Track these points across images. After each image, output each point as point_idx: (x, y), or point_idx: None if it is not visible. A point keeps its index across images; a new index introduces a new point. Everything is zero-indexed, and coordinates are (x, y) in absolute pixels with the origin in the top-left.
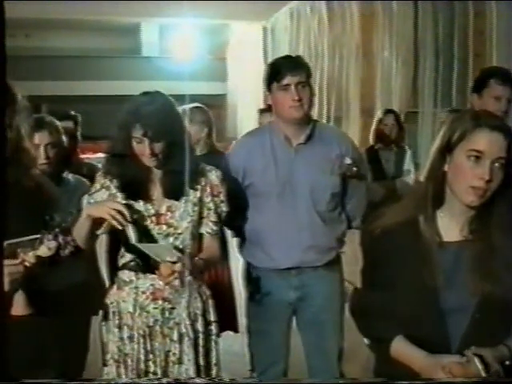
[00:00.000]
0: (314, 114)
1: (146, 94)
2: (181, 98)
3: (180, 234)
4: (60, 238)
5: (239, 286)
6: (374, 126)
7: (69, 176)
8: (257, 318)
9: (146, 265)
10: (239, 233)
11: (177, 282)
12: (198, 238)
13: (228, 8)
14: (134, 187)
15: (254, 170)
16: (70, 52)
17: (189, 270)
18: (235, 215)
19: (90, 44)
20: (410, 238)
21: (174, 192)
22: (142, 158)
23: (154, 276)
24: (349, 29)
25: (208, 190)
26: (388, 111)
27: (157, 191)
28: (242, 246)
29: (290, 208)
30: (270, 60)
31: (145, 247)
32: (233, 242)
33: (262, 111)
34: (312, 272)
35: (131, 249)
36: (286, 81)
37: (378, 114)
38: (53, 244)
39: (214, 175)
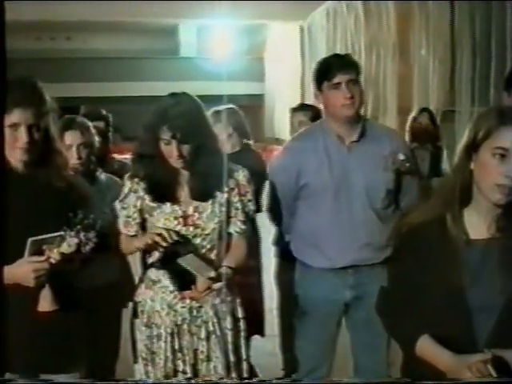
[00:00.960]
0: None
1: (173, 95)
2: (219, 99)
3: (207, 234)
4: (81, 235)
5: (269, 288)
6: (408, 125)
7: (102, 175)
8: (308, 318)
9: (182, 280)
10: (287, 231)
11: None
12: (225, 237)
13: (265, 8)
14: (162, 189)
15: (308, 171)
16: (110, 54)
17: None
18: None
19: (130, 45)
20: (437, 236)
21: (202, 194)
22: (170, 159)
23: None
24: (385, 27)
25: (235, 189)
26: (423, 110)
27: (184, 193)
28: (295, 246)
29: (346, 206)
30: (307, 59)
31: (184, 261)
32: (267, 245)
33: (293, 110)
34: (368, 270)
35: (167, 263)
36: (336, 79)
37: (413, 112)
38: (73, 241)
39: (241, 175)
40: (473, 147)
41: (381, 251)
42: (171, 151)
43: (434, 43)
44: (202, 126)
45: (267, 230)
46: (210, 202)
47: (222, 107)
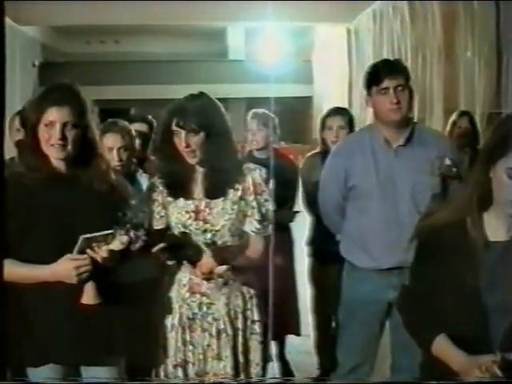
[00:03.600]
0: None
1: (190, 95)
2: (267, 101)
3: (217, 231)
4: (131, 233)
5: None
6: (448, 129)
7: (142, 176)
8: (353, 316)
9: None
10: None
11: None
12: (241, 236)
13: (313, 10)
14: (177, 185)
15: (356, 173)
16: (159, 57)
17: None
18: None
19: (178, 49)
20: (456, 238)
21: (214, 192)
22: (184, 154)
23: (193, 270)
24: (431, 29)
25: (251, 188)
26: (463, 113)
27: (198, 190)
28: (344, 246)
29: (392, 209)
30: (353, 62)
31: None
32: (301, 245)
33: (330, 114)
34: None
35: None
36: (384, 84)
37: (453, 116)
38: (125, 238)
39: (257, 174)
40: (491, 159)
41: None
42: (180, 142)
43: (480, 45)
44: (215, 121)
45: (300, 231)
46: (221, 198)
47: (258, 110)
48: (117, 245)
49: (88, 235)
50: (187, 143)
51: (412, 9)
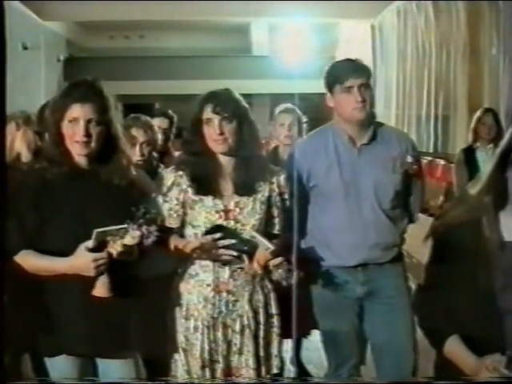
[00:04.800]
0: (423, 112)
1: (218, 89)
2: (290, 97)
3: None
4: (143, 228)
5: None
6: (472, 125)
7: (163, 171)
8: (326, 314)
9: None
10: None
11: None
12: (267, 235)
13: (337, 6)
14: (205, 181)
15: (319, 171)
16: (183, 52)
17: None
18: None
19: (202, 44)
20: (471, 238)
21: (244, 187)
22: (213, 144)
23: (218, 269)
24: (455, 26)
25: (276, 190)
26: (487, 110)
27: (227, 186)
28: (306, 245)
29: (356, 207)
30: (378, 58)
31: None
32: None
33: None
34: (377, 268)
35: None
36: (349, 83)
37: (478, 112)
38: (136, 233)
39: (281, 176)
40: (507, 159)
41: (389, 250)
42: (213, 130)
43: (505, 42)
44: (245, 113)
45: None
46: (251, 198)
47: (288, 104)
48: (129, 240)
49: (101, 229)
50: (221, 130)
51: (436, 5)
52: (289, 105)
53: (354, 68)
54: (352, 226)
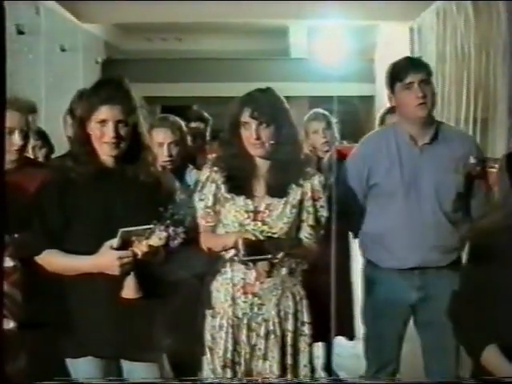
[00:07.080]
0: (461, 115)
1: (259, 89)
2: (329, 100)
3: (274, 233)
4: (170, 230)
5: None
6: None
7: (192, 172)
8: (375, 318)
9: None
10: (357, 233)
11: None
12: (295, 240)
13: (375, 8)
14: (238, 180)
15: (379, 171)
16: (221, 55)
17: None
18: (356, 217)
19: (240, 46)
20: (506, 245)
21: (277, 189)
22: (250, 147)
23: (246, 270)
24: (495, 27)
25: (309, 193)
26: None
27: (260, 187)
28: (363, 245)
29: (416, 208)
30: None
31: None
32: (355, 247)
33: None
34: (435, 272)
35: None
36: (409, 79)
37: None
38: (163, 234)
39: (316, 180)
40: None
41: (449, 254)
42: (250, 134)
43: None
44: (285, 116)
45: None
46: (282, 200)
47: (319, 110)
48: (155, 240)
49: (127, 229)
50: (258, 135)
51: (476, 6)
52: (317, 110)
53: (413, 64)
54: (411, 226)
